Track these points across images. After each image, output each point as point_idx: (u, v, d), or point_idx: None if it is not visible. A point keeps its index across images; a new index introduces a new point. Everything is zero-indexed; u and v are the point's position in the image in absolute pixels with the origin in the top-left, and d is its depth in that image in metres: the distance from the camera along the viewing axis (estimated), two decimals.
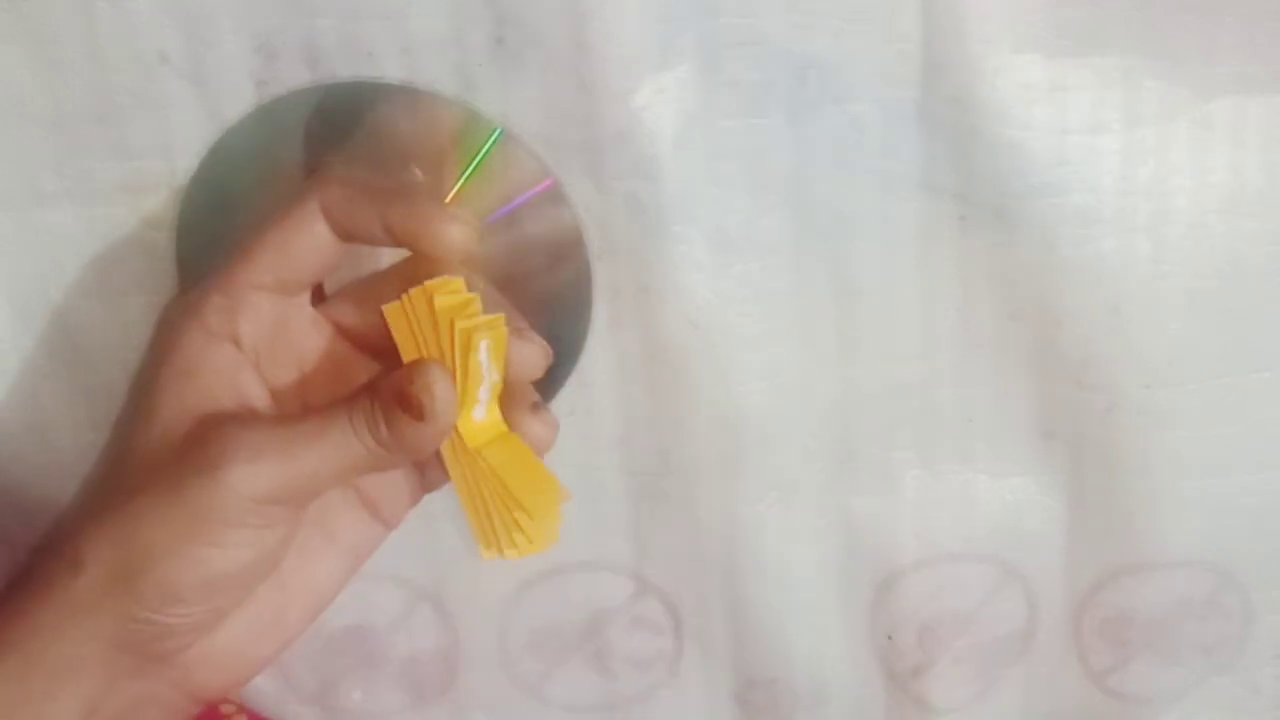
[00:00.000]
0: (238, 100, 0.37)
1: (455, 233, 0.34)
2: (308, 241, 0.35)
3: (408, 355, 0.34)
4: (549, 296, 0.39)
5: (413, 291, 0.34)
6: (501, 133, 0.37)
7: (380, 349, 0.36)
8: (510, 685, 0.45)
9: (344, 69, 0.36)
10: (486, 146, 0.37)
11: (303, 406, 0.36)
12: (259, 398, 0.35)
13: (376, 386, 0.34)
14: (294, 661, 0.44)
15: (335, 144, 0.37)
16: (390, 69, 0.36)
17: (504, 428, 0.35)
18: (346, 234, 0.35)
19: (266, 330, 0.35)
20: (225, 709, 0.43)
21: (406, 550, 0.42)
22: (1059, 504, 0.43)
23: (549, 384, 0.40)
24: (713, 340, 0.40)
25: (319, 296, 0.37)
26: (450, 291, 0.34)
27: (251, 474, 0.32)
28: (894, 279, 0.40)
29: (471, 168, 0.37)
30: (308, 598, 0.36)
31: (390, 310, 0.34)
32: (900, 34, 0.37)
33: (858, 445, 0.42)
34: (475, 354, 0.34)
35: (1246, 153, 0.39)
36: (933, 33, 0.37)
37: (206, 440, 0.33)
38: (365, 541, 0.37)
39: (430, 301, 0.34)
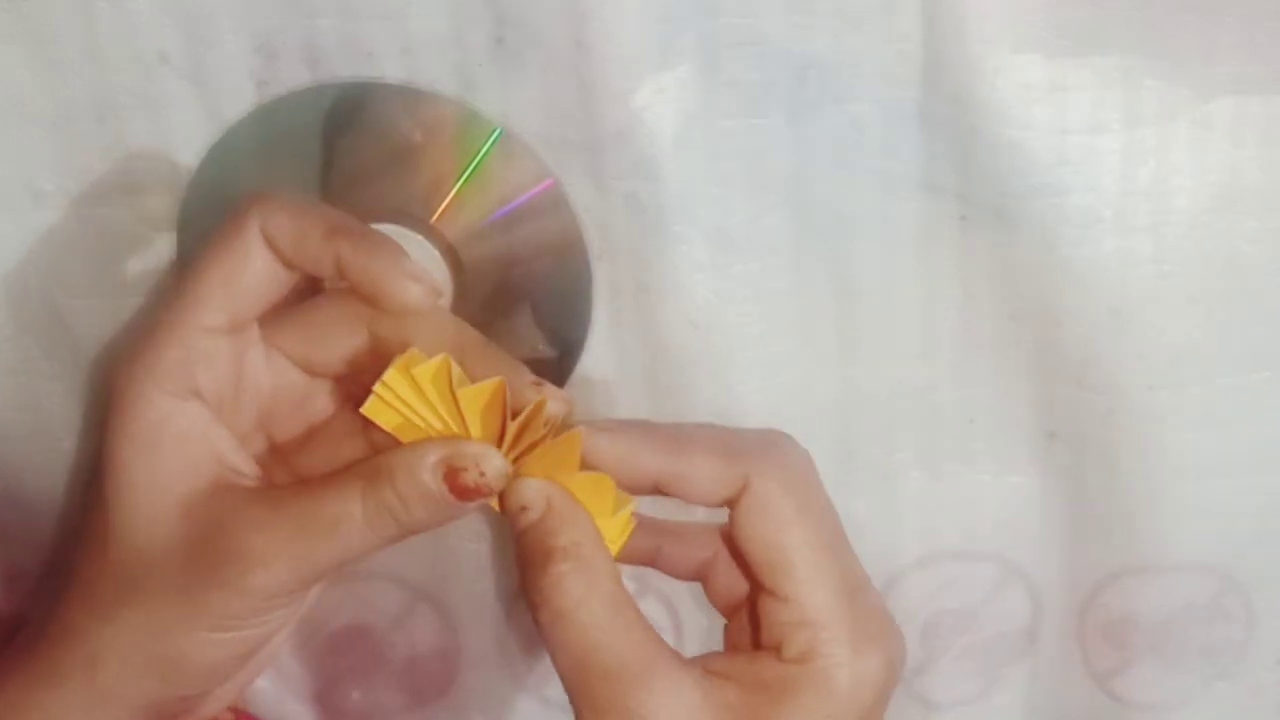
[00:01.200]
0: (238, 100, 0.37)
1: (414, 293, 0.33)
2: (255, 273, 0.33)
3: (409, 437, 0.33)
4: (549, 296, 0.39)
5: (387, 378, 0.32)
6: (501, 133, 0.37)
7: (332, 373, 0.35)
8: (510, 685, 0.45)
9: (344, 69, 0.36)
10: (486, 146, 0.37)
11: (270, 446, 0.36)
12: (233, 452, 0.34)
13: (401, 474, 0.32)
14: (294, 661, 0.44)
15: (335, 144, 0.37)
16: (390, 69, 0.36)
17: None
18: (291, 264, 0.33)
19: (225, 376, 0.34)
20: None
21: (406, 550, 0.41)
22: (1060, 505, 0.43)
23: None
24: (713, 340, 0.40)
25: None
26: (419, 361, 0.32)
27: (265, 579, 0.32)
28: (894, 279, 0.40)
29: (471, 168, 0.38)
30: (295, 621, 0.36)
31: (371, 409, 0.32)
32: (900, 34, 0.37)
33: (858, 445, 0.42)
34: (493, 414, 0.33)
35: (1246, 152, 0.39)
36: (933, 33, 0.37)
37: (215, 548, 0.32)
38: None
39: (415, 381, 0.32)
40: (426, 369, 0.32)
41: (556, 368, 0.40)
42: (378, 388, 0.32)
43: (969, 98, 0.37)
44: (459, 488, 0.32)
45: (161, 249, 0.38)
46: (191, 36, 0.36)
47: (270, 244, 0.33)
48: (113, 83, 0.36)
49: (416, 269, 0.33)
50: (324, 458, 0.36)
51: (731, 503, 0.34)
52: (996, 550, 0.44)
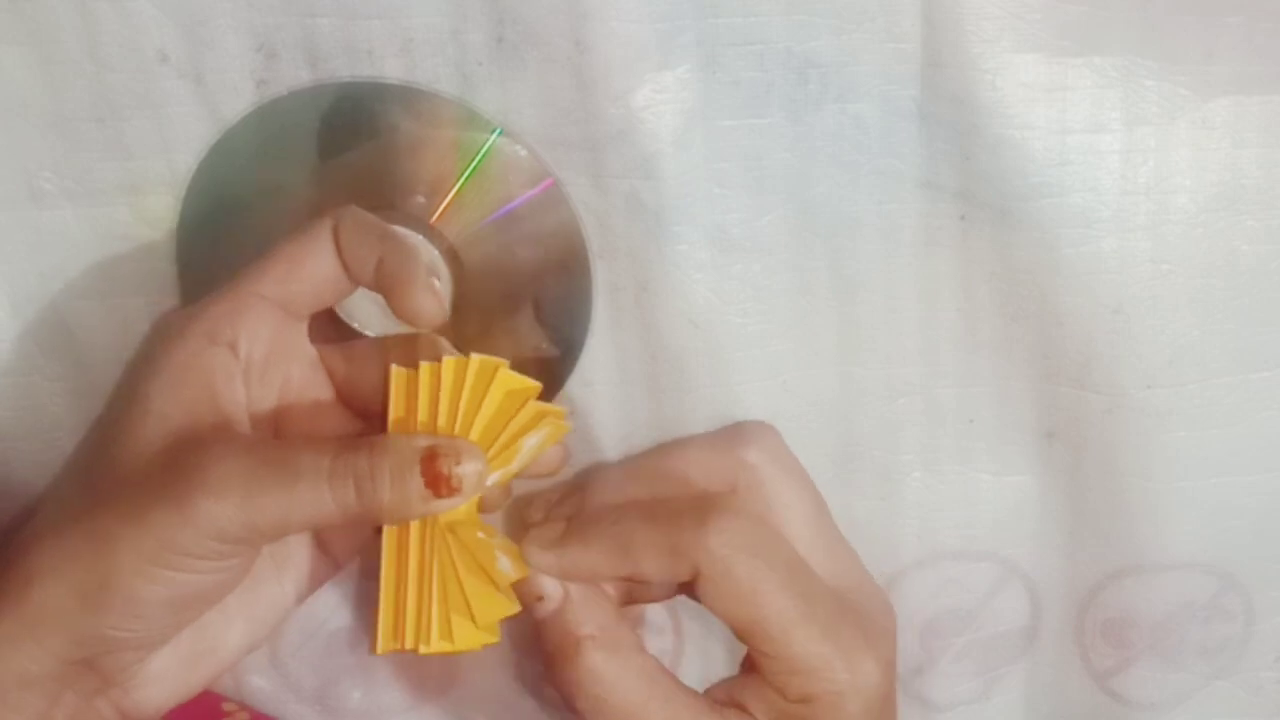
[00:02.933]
0: (238, 100, 0.37)
1: (426, 305, 0.34)
2: (317, 264, 0.35)
3: (403, 415, 0.34)
4: (549, 296, 0.39)
5: (475, 360, 0.33)
6: (501, 132, 0.37)
7: (361, 408, 0.36)
8: (510, 685, 0.45)
9: (344, 69, 0.36)
10: (486, 146, 0.37)
11: (274, 433, 0.36)
12: (238, 411, 0.34)
13: (378, 441, 0.33)
14: (294, 661, 0.44)
15: (335, 144, 0.37)
16: (390, 69, 0.36)
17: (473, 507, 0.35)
18: (347, 265, 0.35)
19: (263, 344, 0.35)
20: (226, 706, 0.43)
21: None
22: (1060, 504, 0.43)
23: (549, 384, 0.40)
24: (713, 340, 0.40)
25: (318, 337, 0.37)
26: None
27: (215, 512, 0.31)
28: (894, 279, 0.40)
29: (471, 168, 0.37)
30: (248, 624, 0.36)
31: (399, 374, 0.34)
32: (900, 34, 0.37)
33: (858, 445, 0.42)
34: (522, 440, 0.34)
35: (1246, 152, 0.39)
36: (933, 33, 0.37)
37: (177, 465, 0.32)
38: (312, 577, 0.37)
39: (492, 374, 0.34)
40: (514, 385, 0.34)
41: (556, 368, 0.40)
42: (450, 360, 0.34)
43: (969, 97, 0.37)
44: (432, 473, 0.32)
45: (161, 249, 0.38)
46: (191, 36, 0.36)
47: (336, 240, 0.34)
48: (113, 83, 0.36)
49: (437, 288, 0.34)
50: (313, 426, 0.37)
51: (688, 587, 0.36)
52: (996, 550, 0.44)
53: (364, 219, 0.35)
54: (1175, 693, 0.46)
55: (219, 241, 0.38)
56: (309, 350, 0.36)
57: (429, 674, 0.45)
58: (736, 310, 0.40)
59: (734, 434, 0.39)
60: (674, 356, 0.40)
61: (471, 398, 0.34)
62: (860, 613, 0.37)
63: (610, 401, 0.41)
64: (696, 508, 0.36)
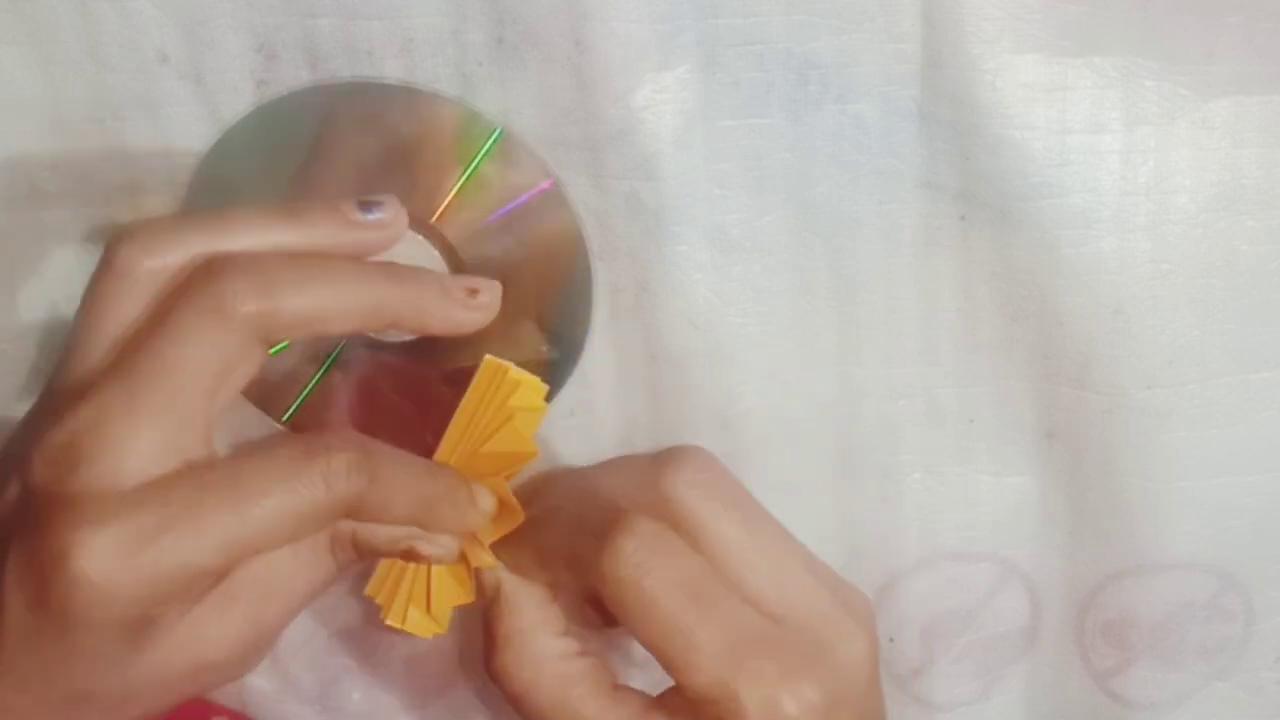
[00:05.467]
0: (238, 100, 0.37)
1: (470, 314, 0.35)
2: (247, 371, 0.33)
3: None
4: (549, 296, 0.39)
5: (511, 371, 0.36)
6: (501, 132, 0.37)
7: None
8: None
9: (344, 69, 0.36)
10: (486, 146, 0.37)
11: None
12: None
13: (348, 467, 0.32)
14: (294, 662, 0.44)
15: (335, 144, 0.37)
16: (390, 69, 0.36)
17: None
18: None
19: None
20: None
21: None
22: (1060, 505, 0.43)
23: (550, 384, 0.40)
24: (713, 340, 0.40)
25: None
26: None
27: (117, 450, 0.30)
28: (894, 279, 0.40)
29: (471, 168, 0.37)
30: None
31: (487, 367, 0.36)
32: (900, 34, 0.37)
33: (858, 446, 0.42)
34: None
35: (1246, 152, 0.39)
36: (933, 33, 0.37)
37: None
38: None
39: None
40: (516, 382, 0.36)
41: (556, 368, 0.40)
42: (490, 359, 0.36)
43: (969, 98, 0.37)
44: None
45: None
46: (191, 36, 0.36)
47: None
48: (113, 83, 0.36)
49: (469, 286, 0.35)
50: None
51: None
52: (996, 550, 0.44)
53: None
54: (1175, 693, 0.46)
55: None
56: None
57: (429, 674, 0.45)
58: (736, 310, 0.40)
59: (656, 464, 0.37)
60: (674, 356, 0.40)
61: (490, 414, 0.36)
62: (792, 643, 0.35)
63: (610, 401, 0.41)
64: (601, 526, 0.35)
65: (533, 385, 0.36)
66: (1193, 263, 0.40)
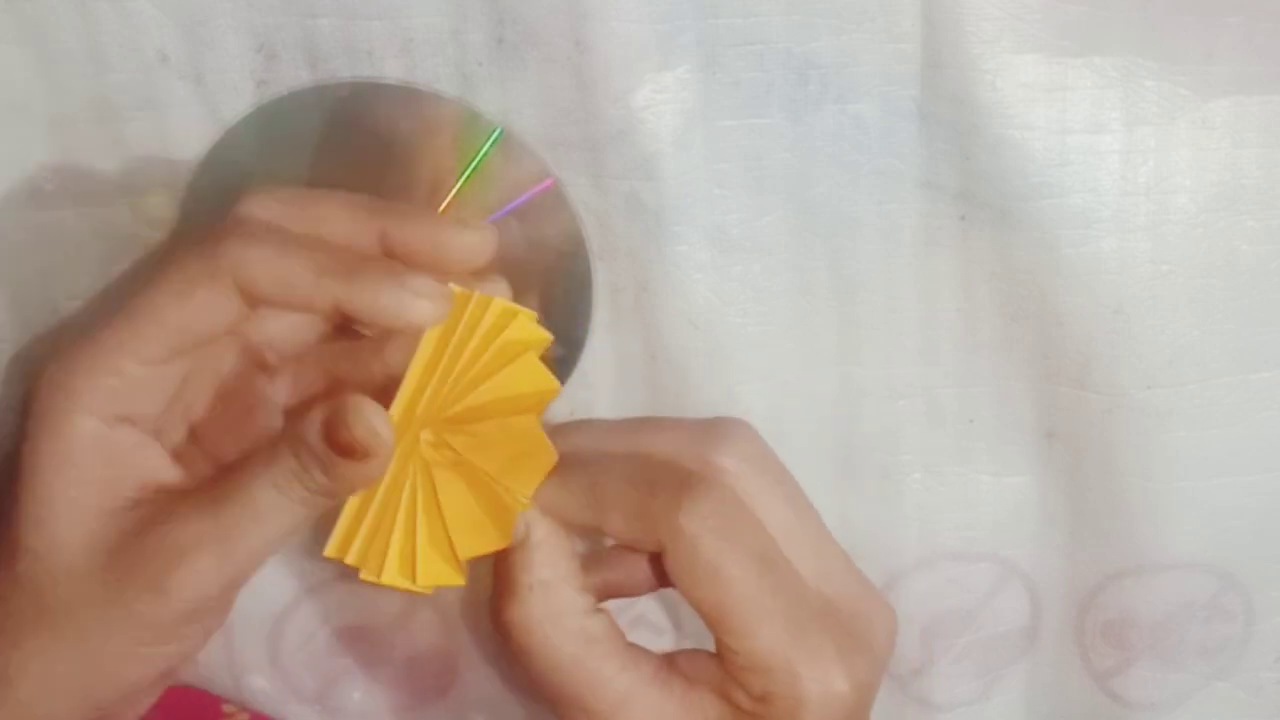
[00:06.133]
0: (238, 100, 0.37)
1: (426, 311, 0.32)
2: (216, 321, 0.32)
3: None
4: (549, 296, 0.39)
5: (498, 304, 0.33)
6: (501, 132, 0.37)
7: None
8: (510, 685, 0.45)
9: (344, 69, 0.36)
10: (486, 146, 0.37)
11: (188, 428, 0.35)
12: (162, 468, 0.33)
13: (298, 437, 0.31)
14: (294, 661, 0.44)
15: (335, 144, 0.37)
16: (390, 69, 0.36)
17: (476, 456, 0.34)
18: (261, 303, 0.32)
19: (162, 398, 0.33)
20: (227, 708, 0.43)
21: None
22: (1059, 505, 0.43)
23: None
24: (713, 340, 0.40)
25: None
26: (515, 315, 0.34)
27: (193, 580, 0.31)
28: (894, 279, 0.40)
29: (471, 168, 0.37)
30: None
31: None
32: (900, 34, 0.37)
33: (858, 446, 0.42)
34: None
35: (1246, 152, 0.39)
36: (933, 33, 0.37)
37: (134, 553, 0.31)
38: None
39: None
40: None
41: (557, 368, 0.40)
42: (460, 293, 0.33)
43: (969, 98, 0.37)
44: (338, 444, 0.31)
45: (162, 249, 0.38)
46: (191, 36, 0.36)
47: (246, 290, 0.32)
48: (113, 83, 0.36)
49: (421, 283, 0.32)
50: (233, 426, 0.35)
51: (658, 557, 0.34)
52: (996, 550, 0.44)
53: (276, 254, 0.31)
54: (1175, 693, 0.46)
55: None
56: (230, 359, 0.34)
57: (429, 674, 0.45)
58: (736, 310, 0.40)
59: (710, 433, 0.36)
60: (674, 356, 0.40)
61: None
62: (844, 624, 0.35)
63: (610, 401, 0.41)
64: (675, 480, 0.34)
65: (527, 316, 0.34)
66: (1193, 263, 0.40)
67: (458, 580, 0.35)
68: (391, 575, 0.34)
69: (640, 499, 0.34)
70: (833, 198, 0.39)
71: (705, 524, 0.33)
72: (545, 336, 0.35)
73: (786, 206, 0.39)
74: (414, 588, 0.34)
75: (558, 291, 0.39)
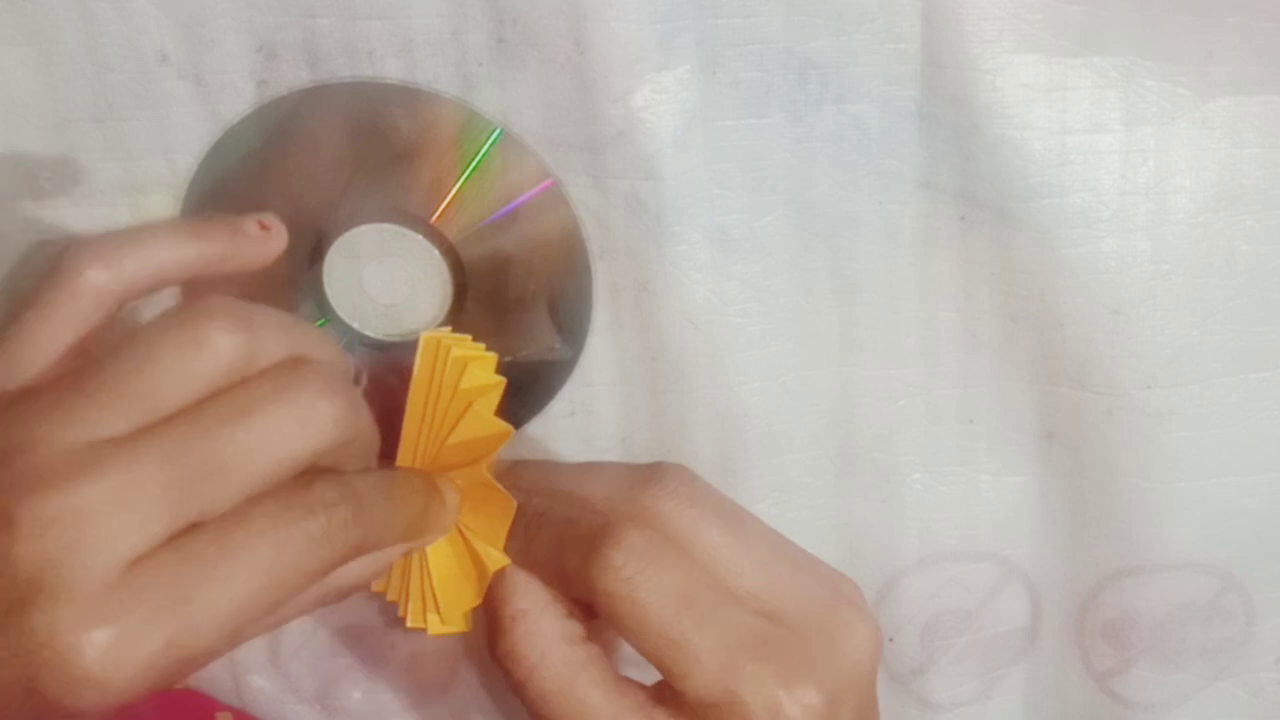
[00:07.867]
0: (238, 100, 0.37)
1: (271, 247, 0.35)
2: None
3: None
4: (549, 296, 0.39)
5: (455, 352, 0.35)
6: (501, 133, 0.37)
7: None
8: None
9: (344, 69, 0.36)
10: (486, 146, 0.37)
11: None
12: None
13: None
14: (294, 661, 0.44)
15: (335, 144, 0.37)
16: (390, 69, 0.36)
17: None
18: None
19: None
20: (220, 716, 0.43)
21: None
22: (1059, 505, 0.43)
23: (550, 384, 0.40)
24: (713, 340, 0.40)
25: None
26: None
27: None
28: (894, 279, 0.40)
29: (471, 168, 0.38)
30: None
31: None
32: (900, 34, 0.37)
33: (858, 446, 0.42)
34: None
35: (1246, 152, 0.39)
36: (932, 33, 0.37)
37: None
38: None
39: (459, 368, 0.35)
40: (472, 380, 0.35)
41: (556, 367, 0.40)
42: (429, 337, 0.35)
43: (969, 98, 0.37)
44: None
45: None
46: (191, 36, 0.36)
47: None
48: (113, 83, 0.36)
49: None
50: None
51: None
52: (996, 550, 0.44)
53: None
54: (1175, 693, 0.46)
55: None
56: None
57: (429, 674, 0.45)
58: (736, 310, 0.40)
59: (641, 478, 0.36)
60: (674, 356, 0.40)
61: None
62: (792, 641, 0.34)
63: (610, 401, 0.41)
64: (588, 535, 0.34)
65: (482, 361, 0.35)
66: (1193, 263, 0.40)
67: (460, 629, 0.38)
68: (416, 620, 0.37)
69: (561, 557, 0.35)
70: (833, 198, 0.39)
71: (617, 576, 0.33)
72: (499, 381, 0.35)
73: (786, 206, 0.39)
74: (433, 631, 0.38)
75: (557, 291, 0.39)
